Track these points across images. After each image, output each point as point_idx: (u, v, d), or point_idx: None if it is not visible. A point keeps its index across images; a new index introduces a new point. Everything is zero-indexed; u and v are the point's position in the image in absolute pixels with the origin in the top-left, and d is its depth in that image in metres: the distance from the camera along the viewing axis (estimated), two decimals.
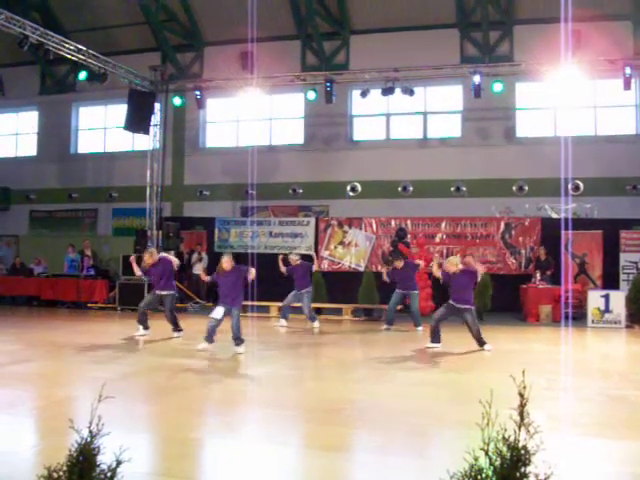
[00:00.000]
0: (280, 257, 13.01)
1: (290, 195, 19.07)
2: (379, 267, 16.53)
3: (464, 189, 17.73)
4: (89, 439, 2.56)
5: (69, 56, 14.77)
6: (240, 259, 9.69)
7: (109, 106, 21.03)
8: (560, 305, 13.16)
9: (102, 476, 2.51)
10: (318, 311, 13.30)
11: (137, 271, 11.17)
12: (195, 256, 17.28)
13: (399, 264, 12.35)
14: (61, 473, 2.48)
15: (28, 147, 22.22)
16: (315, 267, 13.24)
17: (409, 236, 15.95)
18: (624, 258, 15.26)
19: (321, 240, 17.39)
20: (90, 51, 15.08)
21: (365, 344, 11.15)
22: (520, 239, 16.10)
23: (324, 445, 4.77)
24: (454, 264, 9.68)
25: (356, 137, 19.28)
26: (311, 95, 16.68)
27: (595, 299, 13.05)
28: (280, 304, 14.11)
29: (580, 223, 15.21)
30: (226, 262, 9.18)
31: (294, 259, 12.95)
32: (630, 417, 5.71)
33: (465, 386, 7.03)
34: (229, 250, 15.56)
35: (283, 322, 12.80)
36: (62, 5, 19.73)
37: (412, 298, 12.35)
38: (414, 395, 6.59)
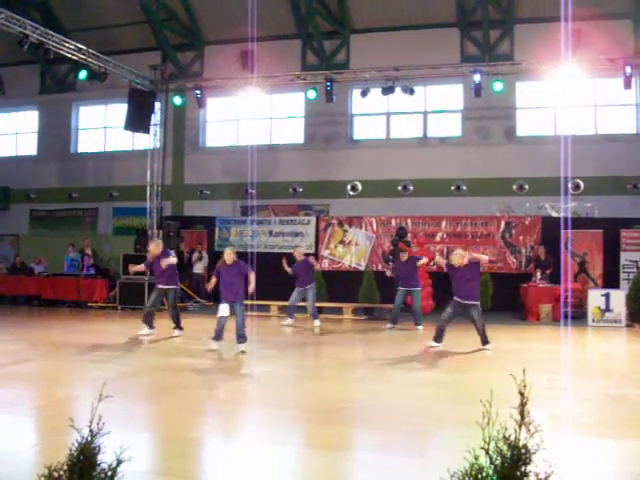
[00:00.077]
0: (284, 260, 13.02)
1: (290, 194, 19.07)
2: (379, 266, 16.54)
3: (464, 188, 17.72)
4: (89, 438, 2.56)
5: (69, 55, 14.76)
6: (240, 258, 9.65)
7: (109, 105, 21.01)
8: (560, 304, 13.15)
9: (102, 475, 2.51)
10: (319, 310, 13.33)
11: (139, 268, 11.22)
12: (195, 255, 17.29)
13: (404, 257, 12.41)
14: (62, 472, 2.48)
15: (28, 146, 22.22)
16: (315, 265, 13.33)
17: (409, 235, 15.95)
18: (624, 257, 15.25)
19: (321, 239, 17.39)
20: (90, 50, 15.07)
21: (365, 343, 11.15)
22: (520, 238, 16.09)
23: (324, 445, 4.78)
24: (462, 256, 9.64)
25: (356, 136, 19.27)
26: (311, 94, 16.67)
27: (595, 298, 13.05)
28: (280, 303, 14.16)
29: (580, 222, 15.21)
30: (228, 255, 9.25)
31: (299, 253, 13.05)
32: (630, 416, 5.71)
33: (465, 385, 7.03)
34: None
35: (289, 321, 12.88)
36: (62, 4, 19.72)
37: (415, 295, 12.37)
38: (414, 394, 6.59)
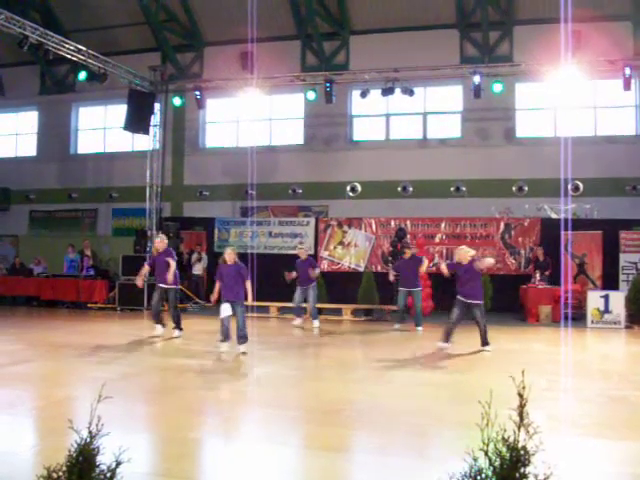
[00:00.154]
0: (287, 274, 12.95)
1: (290, 195, 19.07)
2: (379, 267, 16.54)
3: (464, 189, 17.73)
4: (89, 439, 2.56)
5: (69, 56, 14.76)
6: (240, 259, 9.64)
7: (109, 106, 21.01)
8: (560, 305, 13.16)
9: (102, 476, 2.51)
10: (318, 311, 13.34)
11: (144, 271, 11.28)
12: (195, 256, 17.28)
13: (408, 254, 12.46)
14: (60, 473, 2.48)
15: (28, 147, 22.21)
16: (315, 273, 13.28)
17: (409, 236, 15.95)
18: (624, 259, 15.25)
19: (321, 240, 17.39)
20: (90, 51, 15.07)
21: (365, 344, 11.15)
22: (520, 239, 16.10)
23: (324, 445, 4.77)
24: (466, 252, 9.66)
25: (356, 137, 19.28)
26: (311, 95, 16.67)
27: (595, 299, 13.05)
28: (279, 304, 14.18)
29: (580, 223, 15.21)
30: (229, 254, 9.27)
31: (304, 253, 13.06)
32: (630, 418, 5.71)
33: (465, 386, 7.03)
34: None
35: (299, 321, 12.92)
36: (62, 5, 19.72)
37: (415, 295, 12.38)
38: (414, 395, 6.59)
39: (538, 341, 11.23)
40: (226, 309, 9.06)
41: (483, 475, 2.43)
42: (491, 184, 17.35)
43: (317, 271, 13.07)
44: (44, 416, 5.61)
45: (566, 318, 12.38)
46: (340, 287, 15.76)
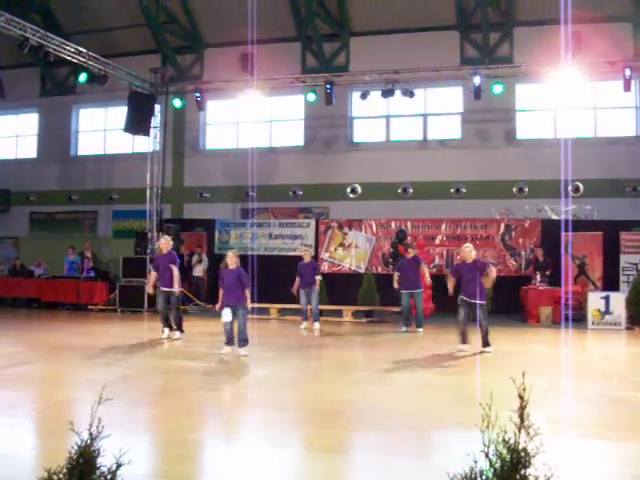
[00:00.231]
0: (293, 290, 12.93)
1: (290, 197, 19.07)
2: (379, 269, 16.54)
3: (464, 191, 17.73)
4: (89, 441, 2.56)
5: (69, 58, 14.77)
6: (240, 261, 9.62)
7: (109, 108, 21.02)
8: (560, 307, 13.15)
9: (102, 478, 2.51)
10: (319, 313, 13.34)
11: (152, 278, 11.27)
12: (195, 258, 17.28)
13: (411, 253, 12.47)
14: (61, 475, 2.48)
15: (28, 149, 22.23)
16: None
17: (409, 238, 15.95)
18: (624, 259, 15.25)
19: (321, 242, 17.39)
20: (90, 53, 15.08)
21: (365, 346, 11.15)
22: (520, 241, 16.10)
23: (324, 447, 4.77)
24: (470, 249, 9.70)
25: (356, 139, 19.28)
26: (311, 97, 16.67)
27: (595, 300, 13.05)
28: (279, 306, 14.18)
29: (580, 225, 15.21)
30: (231, 259, 9.26)
31: (308, 255, 13.14)
32: (630, 419, 5.71)
33: (465, 388, 7.03)
34: None
35: (305, 324, 12.99)
36: (62, 7, 19.74)
37: (417, 297, 12.34)
38: (414, 397, 6.59)
39: (538, 342, 11.23)
40: (226, 314, 9.05)
41: (484, 477, 2.43)
42: (491, 185, 17.35)
43: (319, 278, 13.10)
44: (44, 418, 5.61)
45: (566, 319, 12.36)
46: (341, 289, 15.75)
